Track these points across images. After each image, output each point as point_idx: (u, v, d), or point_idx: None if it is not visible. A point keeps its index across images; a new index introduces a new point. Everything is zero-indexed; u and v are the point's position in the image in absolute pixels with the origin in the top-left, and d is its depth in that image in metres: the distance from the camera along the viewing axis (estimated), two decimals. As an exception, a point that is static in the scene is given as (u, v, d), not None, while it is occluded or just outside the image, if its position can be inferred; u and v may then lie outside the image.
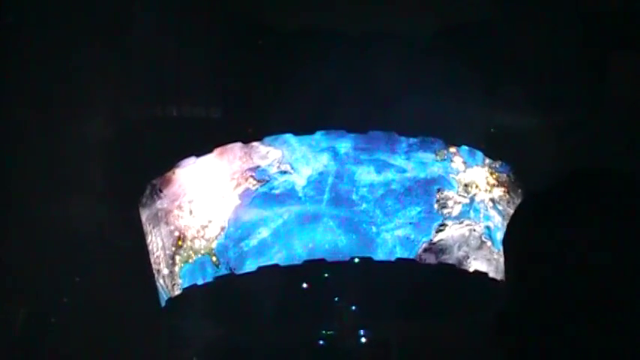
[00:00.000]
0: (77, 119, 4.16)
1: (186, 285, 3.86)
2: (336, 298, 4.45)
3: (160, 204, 3.98)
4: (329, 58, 4.53)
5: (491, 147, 4.01)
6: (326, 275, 4.28)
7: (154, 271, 4.11)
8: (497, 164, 3.83)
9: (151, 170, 4.18)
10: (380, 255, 3.63)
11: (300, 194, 3.71)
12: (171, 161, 4.05)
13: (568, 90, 3.97)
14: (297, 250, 3.68)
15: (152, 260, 4.11)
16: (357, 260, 3.68)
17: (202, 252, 3.80)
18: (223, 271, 3.73)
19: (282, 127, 4.01)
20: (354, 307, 4.35)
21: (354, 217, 3.67)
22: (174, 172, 3.95)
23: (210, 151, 3.84)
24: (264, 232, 3.71)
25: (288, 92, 4.46)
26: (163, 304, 4.09)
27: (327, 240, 3.68)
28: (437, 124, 3.98)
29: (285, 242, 3.69)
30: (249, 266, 3.69)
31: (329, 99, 4.40)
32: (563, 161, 4.00)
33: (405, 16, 4.43)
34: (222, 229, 3.76)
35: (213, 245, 3.77)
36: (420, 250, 3.63)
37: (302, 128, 3.93)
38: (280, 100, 4.49)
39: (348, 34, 4.63)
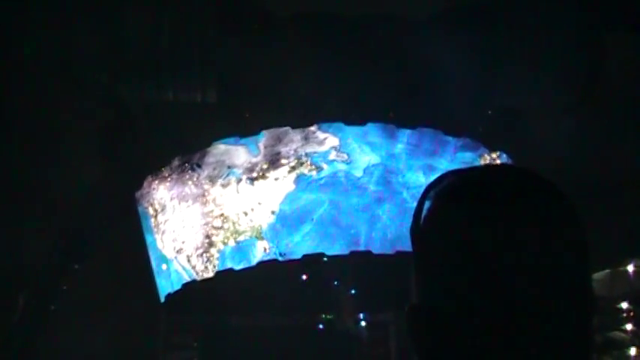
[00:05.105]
0: (75, 100, 3.85)
1: (223, 266, 3.73)
2: (336, 282, 4.53)
3: (197, 179, 3.78)
4: (326, 43, 4.51)
5: (491, 137, 4.15)
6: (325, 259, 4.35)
7: (173, 251, 3.90)
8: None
9: (150, 155, 3.99)
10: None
11: (356, 184, 3.72)
12: (169, 144, 3.89)
13: (566, 73, 4.06)
14: (349, 237, 3.70)
15: (172, 239, 3.89)
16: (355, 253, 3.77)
17: (248, 234, 3.68)
18: (273, 256, 3.65)
19: (279, 114, 3.96)
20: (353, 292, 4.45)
21: (405, 212, 3.77)
22: (216, 148, 3.77)
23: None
24: (316, 218, 3.68)
25: (284, 77, 4.37)
26: (178, 284, 3.90)
27: (376, 229, 3.74)
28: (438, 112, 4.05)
29: (336, 230, 3.69)
30: (301, 250, 3.65)
31: (325, 84, 4.39)
32: (561, 148, 4.17)
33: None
34: (273, 212, 3.67)
35: (262, 228, 3.67)
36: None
37: (298, 115, 3.92)
38: (276, 85, 4.39)
39: (346, 18, 4.60)
